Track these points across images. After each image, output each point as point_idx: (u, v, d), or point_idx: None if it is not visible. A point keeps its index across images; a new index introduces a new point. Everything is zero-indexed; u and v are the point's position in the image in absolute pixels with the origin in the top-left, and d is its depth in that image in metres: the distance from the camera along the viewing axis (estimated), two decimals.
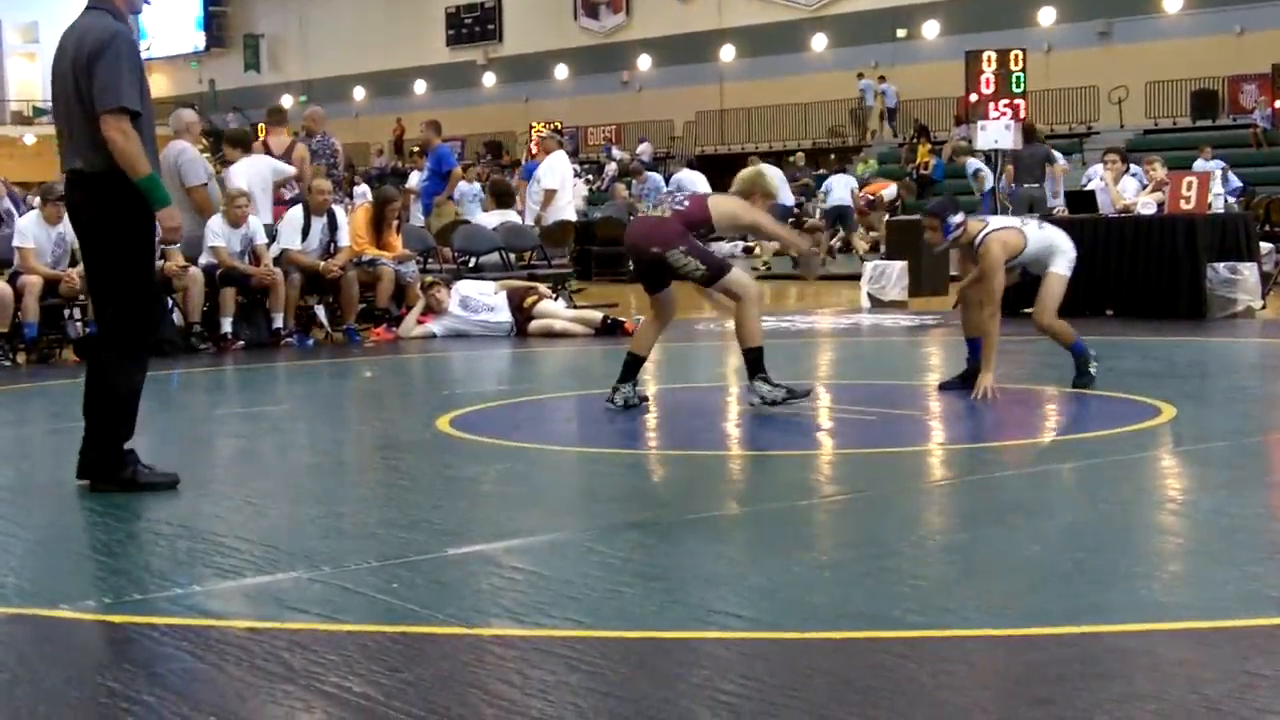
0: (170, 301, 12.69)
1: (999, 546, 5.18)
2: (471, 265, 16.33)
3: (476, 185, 22.66)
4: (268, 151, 14.39)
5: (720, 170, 36.77)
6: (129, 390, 6.23)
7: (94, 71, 6.02)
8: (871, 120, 40.31)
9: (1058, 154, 21.44)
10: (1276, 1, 32.79)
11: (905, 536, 5.25)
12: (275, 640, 3.92)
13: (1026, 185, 19.84)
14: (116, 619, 4.22)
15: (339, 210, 13.80)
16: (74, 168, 6.18)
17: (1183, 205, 14.14)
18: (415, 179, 22.62)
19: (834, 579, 4.57)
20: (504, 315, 13.64)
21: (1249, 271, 13.95)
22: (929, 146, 34.37)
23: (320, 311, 14.09)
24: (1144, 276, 14.00)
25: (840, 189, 24.96)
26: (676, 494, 6.37)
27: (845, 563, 4.82)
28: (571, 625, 4.03)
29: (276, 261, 13.14)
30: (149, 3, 6.43)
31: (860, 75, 39.85)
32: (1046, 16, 37.02)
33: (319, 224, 13.46)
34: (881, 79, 39.92)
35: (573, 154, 39.44)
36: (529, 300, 13.73)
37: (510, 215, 17.67)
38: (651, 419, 9.04)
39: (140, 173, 6.03)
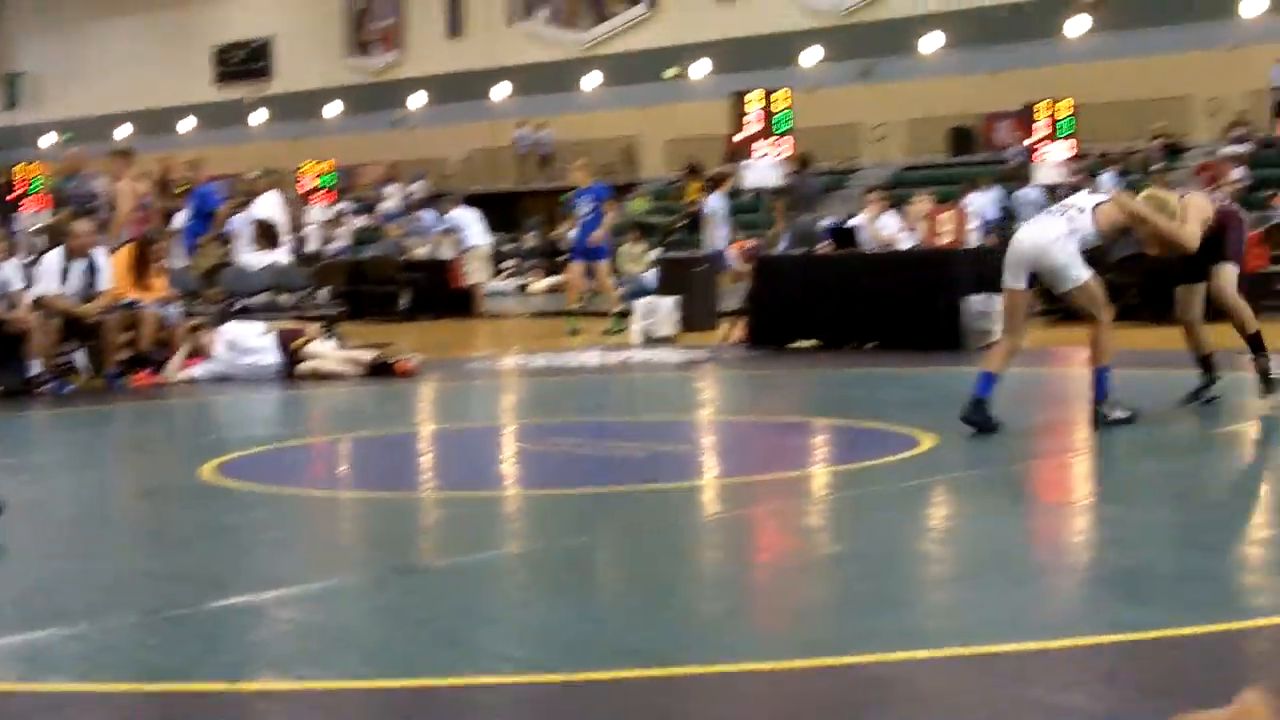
0: None
1: (770, 578, 5.24)
2: (239, 307, 16.04)
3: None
4: None
5: (494, 208, 36.77)
6: None
7: None
8: (529, 167, 41.44)
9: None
10: (1028, 41, 34.00)
11: (679, 572, 5.29)
12: (26, 703, 3.77)
13: (803, 218, 20.06)
14: None
15: (99, 252, 13.41)
16: None
17: (939, 240, 14.54)
18: (181, 218, 22.10)
19: (609, 617, 4.57)
20: (272, 357, 13.41)
21: None
22: (700, 184, 34.86)
23: (78, 357, 13.65)
24: (904, 309, 14.34)
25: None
26: (452, 536, 6.32)
27: (620, 600, 4.83)
28: (343, 675, 3.97)
29: (36, 305, 12.72)
30: None
31: (519, 124, 41.04)
32: (811, 56, 37.83)
33: (78, 267, 13.08)
34: (539, 126, 40.97)
35: (344, 191, 39.02)
36: (298, 341, 13.53)
37: (279, 255, 17.41)
38: (427, 459, 8.98)
39: None
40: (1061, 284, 8.48)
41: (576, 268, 19.61)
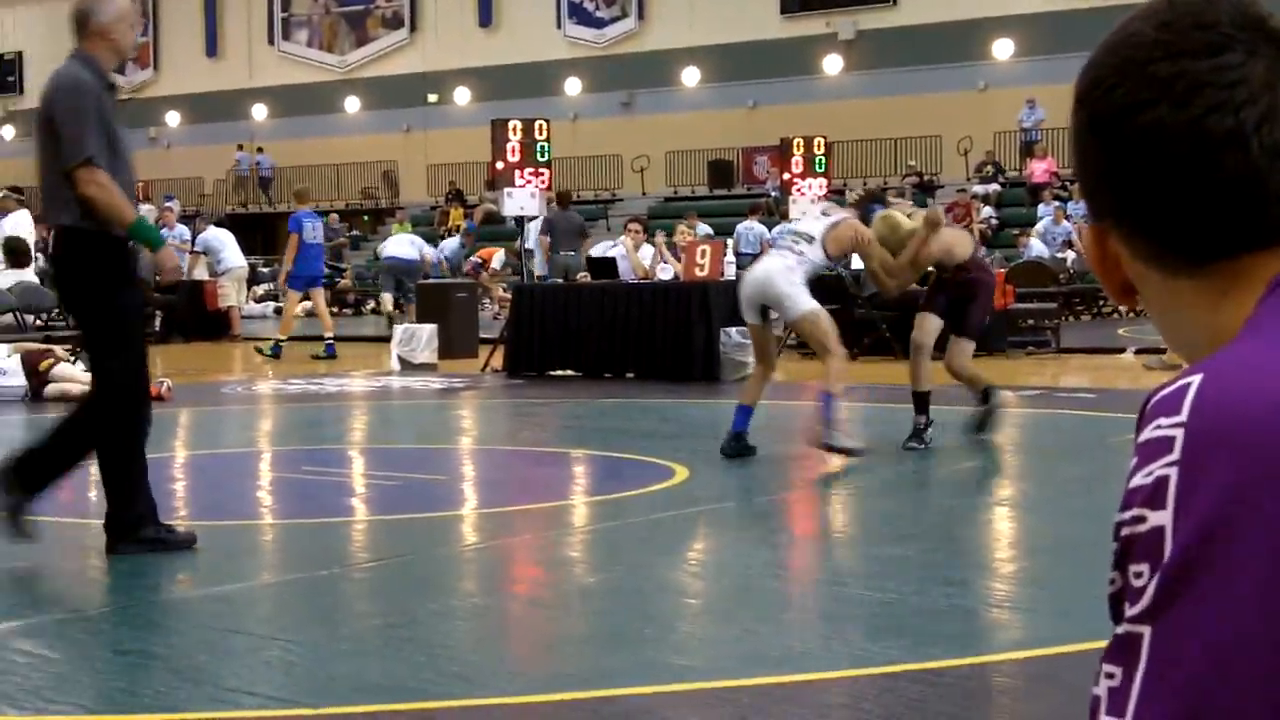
0: None
1: (519, 611, 5.26)
2: None
3: None
4: None
5: (250, 229, 36.14)
6: (122, 451, 6.01)
7: (55, 125, 5.83)
8: (247, 190, 41.49)
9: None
10: (786, 78, 34.76)
11: (427, 604, 5.27)
12: None
13: (563, 253, 20.02)
14: None
15: None
16: (59, 223, 5.98)
17: (697, 272, 14.75)
18: None
19: (352, 651, 4.54)
20: (17, 379, 12.98)
21: None
22: (461, 210, 34.84)
23: None
24: (662, 340, 14.51)
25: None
26: (199, 567, 6.20)
27: (365, 633, 4.80)
28: (76, 710, 3.87)
29: None
30: (135, 53, 6.21)
31: (240, 147, 41.09)
32: (573, 86, 38.09)
33: None
34: (259, 150, 40.99)
35: None
36: (45, 363, 13.12)
37: (27, 275, 16.88)
38: (179, 487, 8.78)
39: (127, 220, 5.87)
40: (788, 313, 8.66)
41: (318, 295, 19.50)
